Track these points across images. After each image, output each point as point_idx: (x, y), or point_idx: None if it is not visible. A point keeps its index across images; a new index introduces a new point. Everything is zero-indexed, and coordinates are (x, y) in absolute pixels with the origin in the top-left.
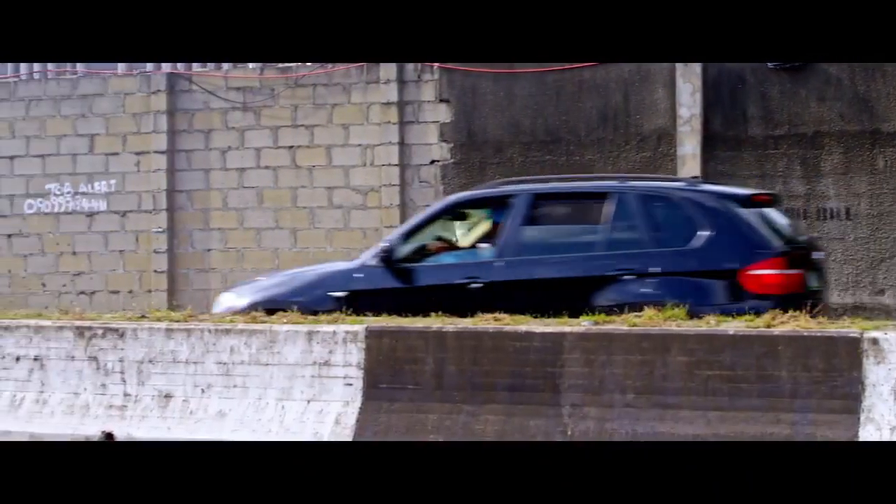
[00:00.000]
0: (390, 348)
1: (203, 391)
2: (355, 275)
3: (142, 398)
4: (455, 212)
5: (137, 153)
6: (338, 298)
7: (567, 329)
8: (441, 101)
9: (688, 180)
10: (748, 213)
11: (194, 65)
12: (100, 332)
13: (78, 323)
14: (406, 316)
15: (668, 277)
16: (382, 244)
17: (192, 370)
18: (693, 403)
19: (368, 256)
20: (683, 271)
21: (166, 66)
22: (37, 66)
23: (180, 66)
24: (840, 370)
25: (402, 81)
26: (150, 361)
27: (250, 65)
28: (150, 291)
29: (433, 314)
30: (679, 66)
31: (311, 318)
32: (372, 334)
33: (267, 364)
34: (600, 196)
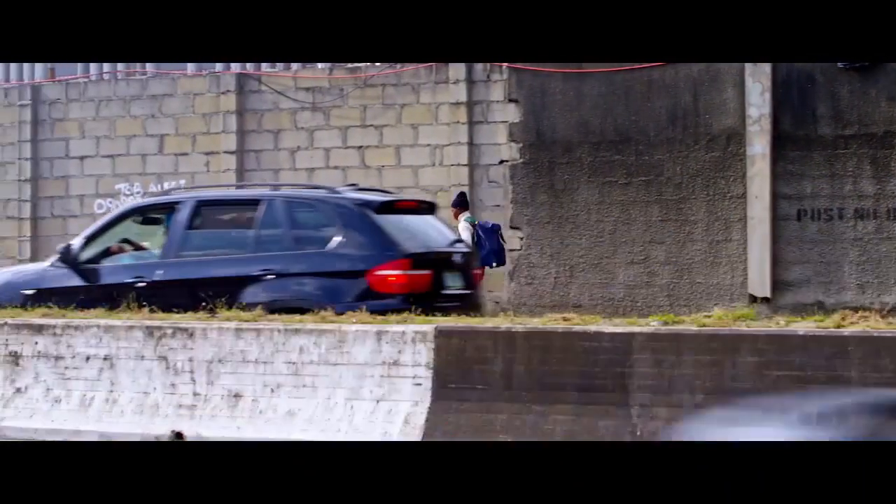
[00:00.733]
0: (459, 348)
1: (272, 391)
2: (45, 274)
3: (211, 398)
4: (138, 216)
5: (207, 153)
6: (28, 296)
7: (636, 329)
8: (510, 100)
9: (332, 188)
10: (381, 219)
11: (263, 65)
12: (169, 331)
13: (148, 322)
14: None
15: (305, 277)
16: (62, 245)
17: (262, 370)
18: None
19: (55, 257)
20: (319, 272)
21: (235, 67)
22: (107, 67)
23: (249, 67)
24: None
25: (470, 81)
26: (220, 361)
27: (319, 65)
28: None
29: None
30: (748, 65)
31: (380, 318)
32: (441, 334)
33: (336, 364)
34: (253, 203)
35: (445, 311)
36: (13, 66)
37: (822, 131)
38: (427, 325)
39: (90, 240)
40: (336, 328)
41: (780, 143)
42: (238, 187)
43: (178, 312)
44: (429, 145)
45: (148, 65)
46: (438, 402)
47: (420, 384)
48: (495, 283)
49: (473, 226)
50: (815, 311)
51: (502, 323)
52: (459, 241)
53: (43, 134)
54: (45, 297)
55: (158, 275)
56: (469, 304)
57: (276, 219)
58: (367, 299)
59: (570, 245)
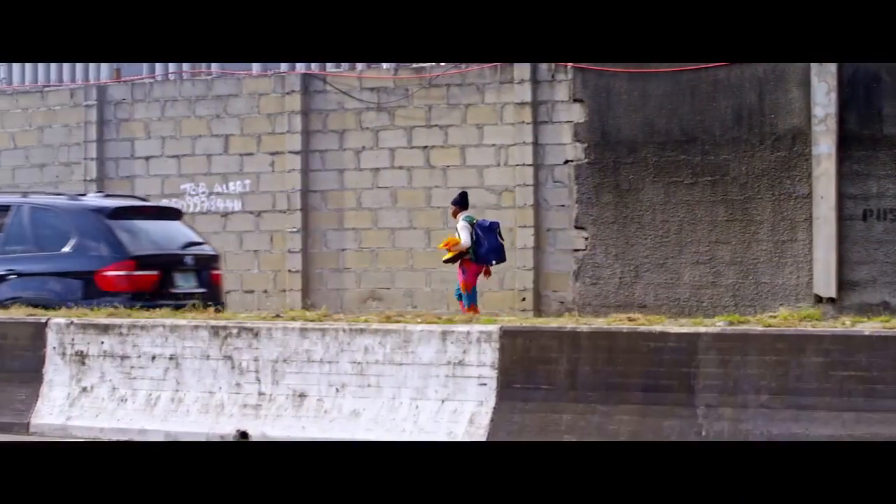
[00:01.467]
0: (524, 348)
1: (337, 390)
2: None
3: (276, 397)
4: None
5: (272, 153)
6: None
7: (702, 329)
8: (575, 100)
9: (75, 195)
10: (113, 224)
11: (328, 65)
12: (235, 331)
13: (213, 322)
14: None
15: (45, 277)
16: None
17: (327, 369)
18: (828, 404)
19: None
20: (56, 272)
21: (300, 67)
22: (172, 67)
23: (314, 67)
24: None
25: (535, 81)
26: (285, 361)
27: (384, 65)
28: (284, 291)
29: None
30: (814, 65)
31: (445, 318)
32: (506, 334)
33: (401, 364)
34: (4, 209)
35: (176, 308)
36: (79, 66)
37: (889, 131)
38: (492, 326)
39: None
40: (401, 328)
41: (845, 143)
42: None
43: None
44: (494, 145)
45: (213, 65)
46: (503, 402)
47: (485, 384)
48: (560, 283)
49: (472, 224)
50: (881, 312)
51: (567, 323)
52: (198, 244)
53: (109, 134)
54: None
55: None
56: (205, 301)
57: (22, 223)
58: (95, 298)
59: (635, 245)
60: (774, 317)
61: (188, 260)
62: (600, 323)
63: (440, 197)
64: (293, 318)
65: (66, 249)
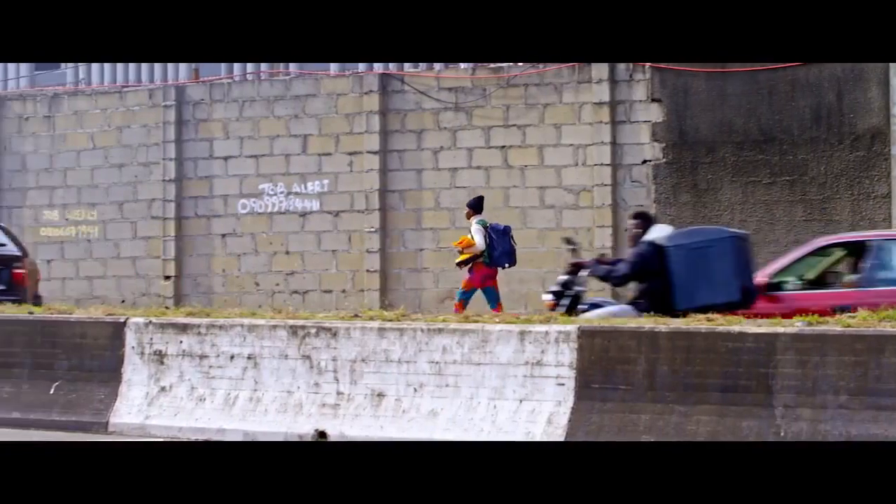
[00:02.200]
0: (602, 348)
1: (415, 390)
2: None
3: (354, 397)
4: None
5: (350, 153)
6: None
7: (780, 330)
8: (653, 100)
9: None
10: None
11: (406, 65)
12: (313, 331)
13: (291, 322)
14: None
15: None
16: None
17: (405, 369)
18: None
19: None
20: None
21: (378, 67)
22: (250, 68)
23: (392, 67)
24: None
25: (613, 81)
26: (363, 360)
27: (462, 65)
28: (362, 291)
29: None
30: (893, 64)
31: (523, 317)
32: (584, 334)
33: (479, 363)
34: None
35: None
36: (158, 66)
37: None
38: (570, 325)
39: None
40: (479, 328)
41: None
42: None
43: None
44: (571, 145)
45: (291, 65)
46: (581, 402)
47: (563, 384)
48: None
49: (485, 228)
50: None
51: (646, 323)
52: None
53: (187, 134)
54: None
55: None
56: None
57: None
58: None
59: None
60: (853, 317)
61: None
62: (679, 323)
63: (518, 197)
64: (371, 318)
65: None
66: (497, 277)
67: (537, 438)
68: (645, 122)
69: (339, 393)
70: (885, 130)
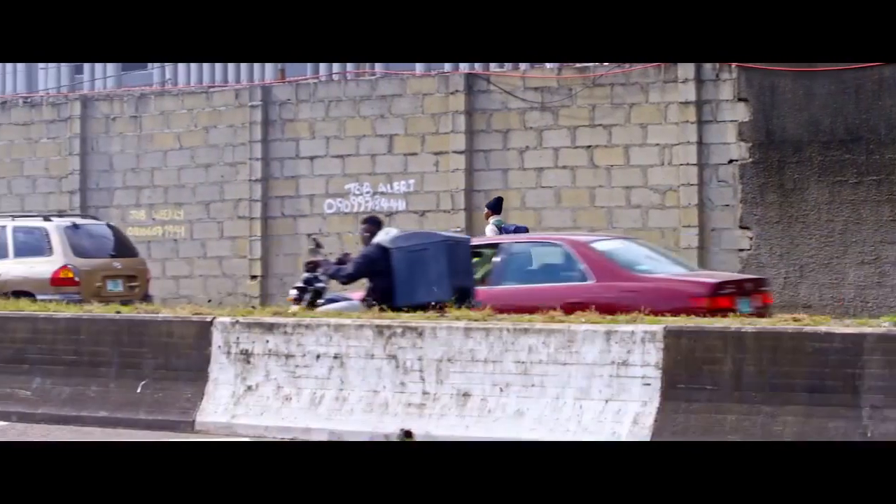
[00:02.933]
0: (689, 349)
1: (501, 390)
2: None
3: (440, 396)
4: None
5: (436, 153)
6: None
7: (868, 330)
8: (739, 100)
9: None
10: None
11: (492, 65)
12: (399, 330)
13: (377, 322)
14: None
15: None
16: None
17: (491, 369)
18: None
19: None
20: None
21: (464, 67)
22: (336, 68)
23: (478, 67)
24: None
25: (699, 80)
26: (449, 360)
27: (548, 65)
28: None
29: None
30: None
31: (609, 317)
32: (670, 334)
33: (565, 363)
34: None
35: None
36: (244, 67)
37: None
38: (656, 325)
39: None
40: (565, 328)
41: None
42: None
43: None
44: (657, 145)
45: (377, 65)
46: (667, 402)
47: (649, 384)
48: None
49: (500, 229)
50: None
51: (732, 323)
52: None
53: (273, 134)
54: None
55: None
56: None
57: None
58: None
59: (800, 245)
60: None
61: None
62: (765, 323)
63: (604, 196)
64: (457, 318)
65: None
66: None
67: (623, 438)
68: (731, 121)
69: (424, 392)
70: None
